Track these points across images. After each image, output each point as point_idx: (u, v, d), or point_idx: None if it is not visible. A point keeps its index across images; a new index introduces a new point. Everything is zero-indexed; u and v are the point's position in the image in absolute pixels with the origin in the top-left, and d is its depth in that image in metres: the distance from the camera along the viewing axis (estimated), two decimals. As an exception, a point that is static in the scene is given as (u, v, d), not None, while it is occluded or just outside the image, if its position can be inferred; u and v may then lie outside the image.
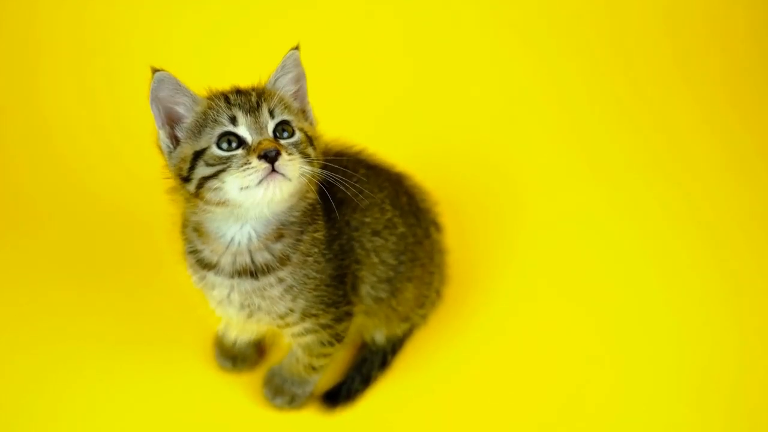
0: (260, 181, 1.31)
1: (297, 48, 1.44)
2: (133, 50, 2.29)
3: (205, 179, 1.34)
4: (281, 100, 1.41)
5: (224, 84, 1.44)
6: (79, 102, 2.23)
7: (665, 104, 2.34)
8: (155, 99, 1.38)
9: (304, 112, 1.48)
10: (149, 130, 1.42)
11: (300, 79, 1.47)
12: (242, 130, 1.36)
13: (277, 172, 1.32)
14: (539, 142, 2.26)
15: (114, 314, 1.83)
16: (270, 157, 1.31)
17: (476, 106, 2.33)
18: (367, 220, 1.58)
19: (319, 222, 1.48)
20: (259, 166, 1.31)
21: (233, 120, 1.36)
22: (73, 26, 2.30)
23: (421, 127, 2.27)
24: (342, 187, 1.44)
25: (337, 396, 1.69)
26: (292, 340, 1.58)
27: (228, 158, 1.34)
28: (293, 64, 1.45)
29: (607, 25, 2.44)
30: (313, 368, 1.62)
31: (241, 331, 1.58)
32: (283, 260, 1.45)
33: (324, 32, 2.36)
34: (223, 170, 1.33)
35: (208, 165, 1.35)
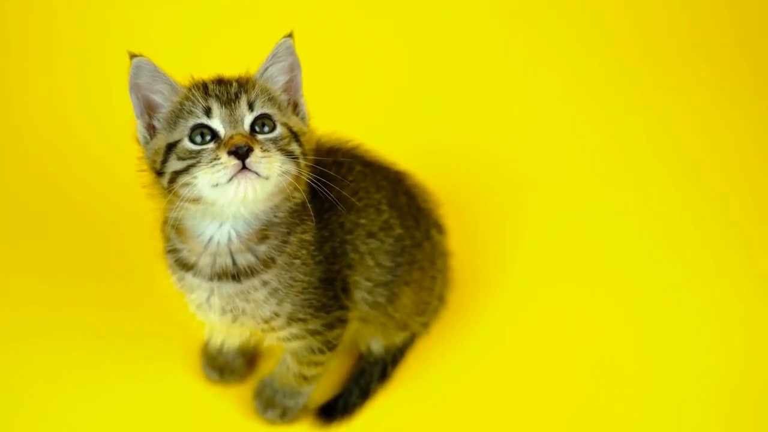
0: (231, 179, 1.27)
1: (290, 35, 1.40)
2: (109, 36, 2.26)
3: (177, 174, 1.31)
4: (265, 91, 1.37)
5: (213, 73, 1.41)
6: (48, 94, 2.19)
7: (687, 97, 2.27)
8: (134, 86, 1.35)
9: (295, 105, 1.44)
10: (127, 120, 1.40)
11: (293, 68, 1.42)
12: (216, 123, 1.32)
13: (248, 169, 1.27)
14: (548, 139, 2.21)
15: (92, 321, 1.78)
16: (240, 154, 1.26)
17: (482, 102, 2.28)
18: (362, 221, 1.53)
19: (309, 223, 1.44)
20: (228, 162, 1.26)
21: (208, 111, 1.32)
22: (42, 10, 2.28)
23: (424, 123, 2.22)
24: (336, 187, 1.40)
25: (333, 410, 1.64)
26: (279, 344, 1.55)
27: (198, 152, 1.30)
28: (286, 53, 1.40)
29: (619, 10, 2.40)
30: (305, 378, 1.58)
31: (227, 335, 1.54)
32: (268, 262, 1.41)
33: (323, 19, 2.32)
34: (193, 165, 1.29)
35: (180, 159, 1.31)
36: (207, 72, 1.40)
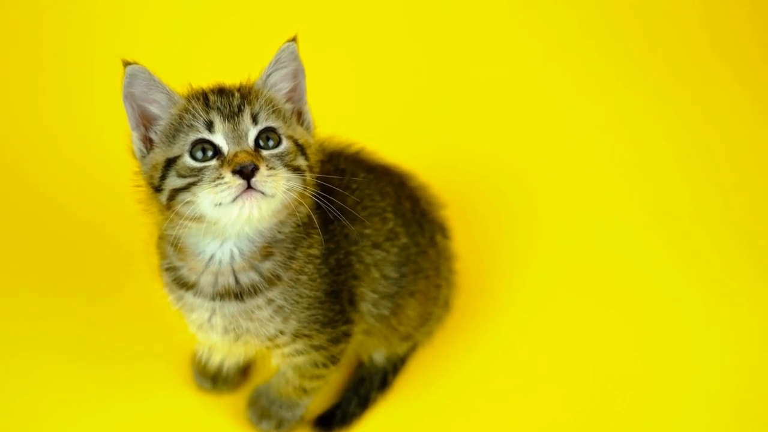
0: (235, 199, 1.22)
1: (294, 40, 1.33)
2: (97, 40, 2.18)
3: (177, 191, 1.26)
4: (269, 102, 1.31)
5: (211, 79, 1.36)
6: (30, 102, 2.13)
7: (702, 97, 2.25)
8: (128, 96, 1.29)
9: (299, 114, 1.38)
10: (121, 131, 1.34)
11: (297, 75, 1.36)
12: (218, 138, 1.26)
13: (253, 188, 1.22)
14: (556, 140, 2.18)
15: (80, 328, 1.75)
16: (245, 173, 1.21)
17: (489, 102, 2.25)
18: (367, 231, 1.49)
19: (315, 236, 1.39)
20: (233, 182, 1.21)
21: (209, 126, 1.26)
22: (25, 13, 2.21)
23: (430, 123, 2.19)
24: (340, 196, 1.36)
25: (331, 420, 1.60)
26: (282, 361, 1.50)
27: (200, 170, 1.25)
28: (289, 58, 1.34)
29: (632, 10, 2.36)
30: (305, 391, 1.54)
31: (227, 354, 1.50)
32: (272, 280, 1.36)
33: (326, 18, 2.29)
34: (194, 183, 1.24)
35: (180, 176, 1.26)
36: (204, 78, 1.35)
